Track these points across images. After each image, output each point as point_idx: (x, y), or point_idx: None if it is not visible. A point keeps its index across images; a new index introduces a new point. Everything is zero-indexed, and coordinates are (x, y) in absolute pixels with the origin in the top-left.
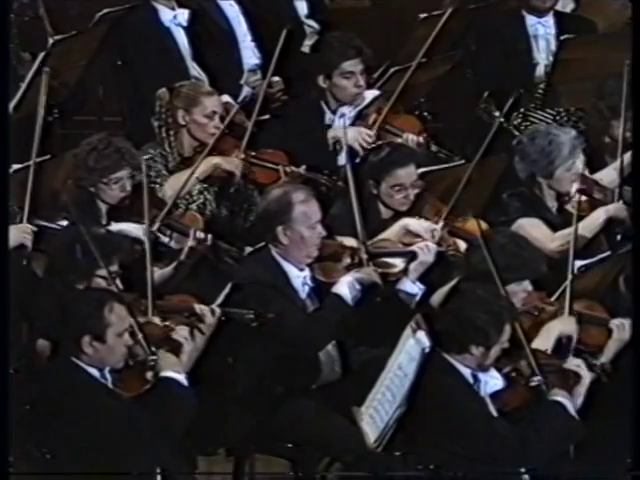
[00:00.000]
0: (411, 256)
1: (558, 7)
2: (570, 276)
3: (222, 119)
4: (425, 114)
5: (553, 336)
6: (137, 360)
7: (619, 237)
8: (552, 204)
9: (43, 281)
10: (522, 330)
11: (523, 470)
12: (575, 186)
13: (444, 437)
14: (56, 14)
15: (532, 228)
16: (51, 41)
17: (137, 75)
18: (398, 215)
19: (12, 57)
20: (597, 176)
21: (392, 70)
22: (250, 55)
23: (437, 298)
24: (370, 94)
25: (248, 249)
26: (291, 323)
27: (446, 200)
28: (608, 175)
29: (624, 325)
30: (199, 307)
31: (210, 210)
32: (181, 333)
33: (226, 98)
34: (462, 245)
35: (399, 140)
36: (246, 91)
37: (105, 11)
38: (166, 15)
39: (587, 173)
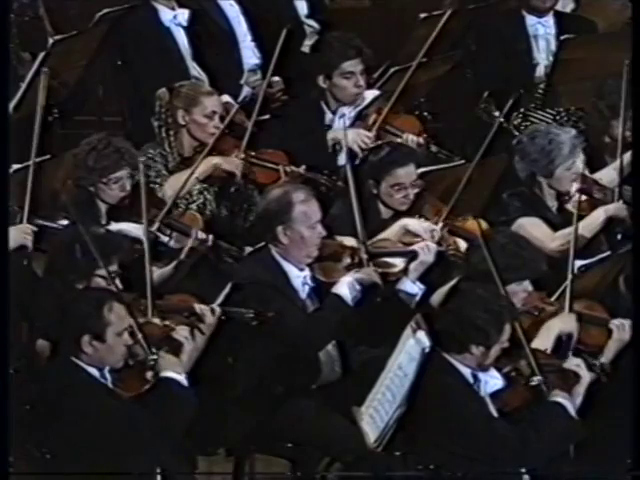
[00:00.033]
0: (412, 256)
1: (558, 7)
2: (570, 276)
3: (222, 119)
4: (425, 114)
5: (553, 335)
6: (137, 360)
7: (619, 237)
8: (552, 203)
9: (43, 281)
10: (522, 330)
11: (523, 470)
12: (575, 185)
13: (444, 437)
14: (56, 14)
15: (532, 227)
16: (51, 41)
17: (137, 75)
18: (398, 215)
19: (12, 57)
20: (597, 176)
21: (392, 70)
22: (250, 55)
23: (437, 298)
24: (370, 94)
25: (248, 249)
26: (291, 323)
27: (446, 200)
28: (608, 175)
29: (624, 325)
30: (199, 307)
31: (210, 210)
32: (181, 333)
33: (226, 98)
34: (462, 245)
35: (399, 140)
36: (246, 91)
37: (105, 11)
38: (166, 15)
39: (587, 172)
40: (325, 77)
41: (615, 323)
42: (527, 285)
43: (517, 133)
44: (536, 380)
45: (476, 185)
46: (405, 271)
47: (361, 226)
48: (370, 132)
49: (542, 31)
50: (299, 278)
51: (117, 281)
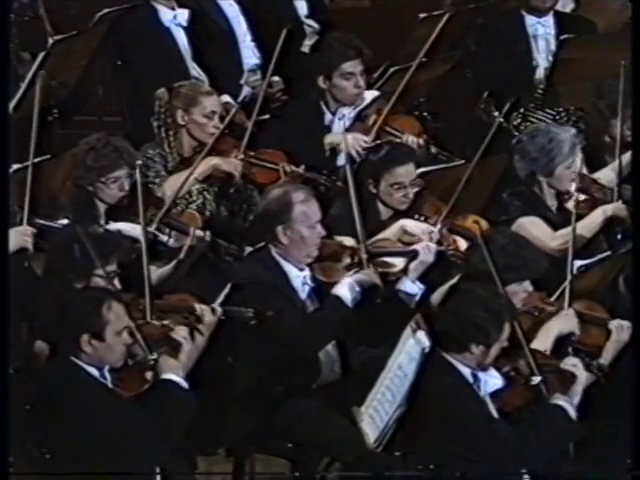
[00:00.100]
0: (412, 255)
1: (558, 7)
2: (570, 276)
3: (222, 119)
4: (425, 114)
5: (552, 336)
6: (136, 360)
7: (619, 237)
8: (552, 203)
9: (42, 280)
10: (521, 330)
11: (523, 470)
12: (574, 185)
13: (444, 437)
14: (56, 14)
15: (533, 227)
16: (51, 41)
17: (137, 75)
18: (398, 214)
19: (12, 57)
20: (596, 175)
21: (392, 70)
22: (250, 55)
23: (437, 297)
24: (370, 95)
25: (248, 249)
26: (290, 323)
27: (446, 200)
28: (607, 175)
29: (623, 326)
30: (199, 306)
31: (210, 210)
32: (180, 333)
33: (226, 98)
34: (462, 244)
35: (398, 141)
36: (246, 91)
37: (105, 11)
38: (166, 15)
39: (585, 172)
40: (325, 78)
41: (614, 324)
42: (527, 285)
43: (517, 133)
44: (536, 380)
45: (476, 185)
46: (405, 271)
47: (361, 226)
48: (368, 136)
49: (542, 31)
50: (299, 278)
51: (116, 281)
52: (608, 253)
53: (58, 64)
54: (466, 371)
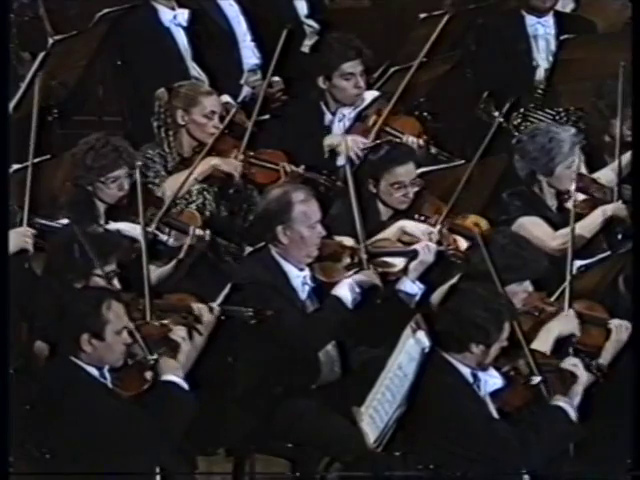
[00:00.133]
0: (412, 255)
1: (558, 7)
2: (569, 277)
3: (222, 119)
4: (425, 114)
5: (552, 337)
6: (136, 359)
7: (620, 237)
8: (552, 203)
9: (41, 280)
10: (520, 330)
11: (523, 470)
12: (572, 184)
13: (444, 437)
14: (56, 14)
15: (533, 227)
16: (51, 41)
17: (137, 75)
18: (398, 214)
19: (12, 57)
20: (595, 175)
21: (392, 70)
22: (250, 55)
23: (437, 297)
24: (370, 95)
25: (248, 249)
26: (289, 323)
27: (446, 200)
28: (607, 175)
29: (622, 326)
30: (197, 305)
31: (210, 210)
32: (179, 333)
33: (226, 98)
34: (463, 244)
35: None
36: (246, 91)
37: (105, 11)
38: (166, 15)
39: (584, 171)
40: (325, 78)
41: (614, 323)
42: (527, 285)
43: (517, 133)
44: (535, 380)
45: (476, 185)
46: (405, 271)
47: (360, 226)
48: (368, 136)
49: (542, 31)
50: (299, 278)
51: (115, 281)
52: (608, 253)
53: (58, 64)
54: (466, 371)
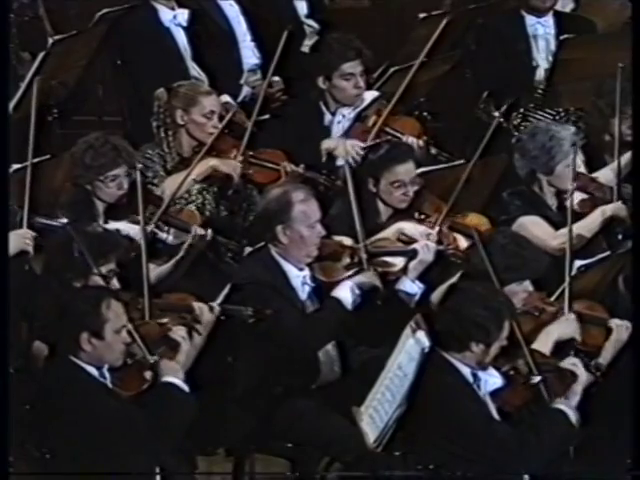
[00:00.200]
0: (412, 254)
1: (558, 7)
2: (568, 278)
3: (221, 119)
4: (425, 114)
5: (551, 340)
6: (135, 359)
7: (620, 237)
8: (552, 202)
9: (41, 280)
10: (519, 329)
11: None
12: (570, 183)
13: (443, 437)
14: (56, 14)
15: (533, 226)
16: (51, 41)
17: (137, 75)
18: (398, 213)
19: (12, 57)
20: (595, 175)
21: (391, 70)
22: (250, 55)
23: (437, 296)
24: (369, 95)
25: (248, 249)
26: (288, 323)
27: (446, 200)
28: (606, 175)
29: (623, 326)
30: (197, 305)
31: (209, 210)
32: (179, 333)
33: (226, 98)
34: (463, 243)
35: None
36: (246, 91)
37: (105, 11)
38: (166, 15)
39: (584, 171)
40: (325, 78)
41: (615, 322)
42: (527, 285)
43: (516, 133)
44: (535, 379)
45: (476, 184)
46: (404, 270)
47: (360, 226)
48: (368, 136)
49: (542, 31)
50: (299, 278)
51: (114, 280)
52: (608, 253)
53: (58, 64)
54: (466, 370)
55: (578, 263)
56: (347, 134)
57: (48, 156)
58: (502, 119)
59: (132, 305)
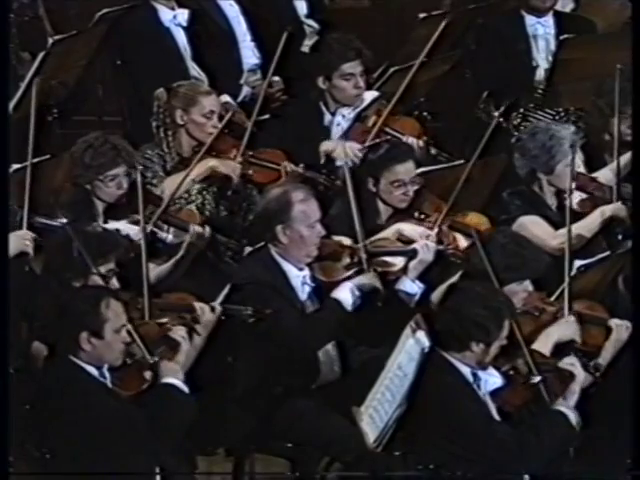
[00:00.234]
0: (411, 254)
1: (558, 7)
2: (567, 278)
3: (221, 119)
4: (424, 114)
5: (551, 342)
6: (135, 359)
7: (620, 237)
8: (552, 201)
9: (40, 279)
10: (519, 329)
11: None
12: (569, 182)
13: (443, 437)
14: (56, 14)
15: (533, 226)
16: (51, 41)
17: (137, 75)
18: (398, 213)
19: (12, 57)
20: (594, 175)
21: (391, 70)
22: (250, 55)
23: (437, 295)
24: (369, 95)
25: (248, 249)
26: (288, 324)
27: (446, 199)
28: (606, 175)
29: (623, 326)
30: (198, 305)
31: (209, 210)
32: (179, 333)
33: (226, 98)
34: (463, 242)
35: None
36: (246, 91)
37: (105, 11)
38: (166, 15)
39: (583, 170)
40: (325, 78)
41: (615, 322)
42: (527, 285)
43: (516, 133)
44: (535, 379)
45: (476, 184)
46: (404, 270)
47: (360, 226)
48: (366, 139)
49: (541, 31)
50: (298, 278)
51: (114, 280)
52: (608, 253)
53: (58, 64)
54: (466, 370)
55: (578, 263)
56: (346, 135)
57: (48, 156)
58: (502, 119)
59: (132, 305)
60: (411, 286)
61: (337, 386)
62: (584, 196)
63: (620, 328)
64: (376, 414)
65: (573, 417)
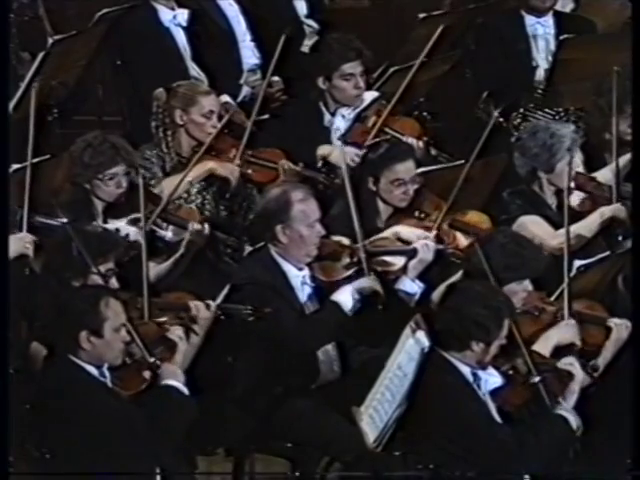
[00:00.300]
0: (411, 254)
1: (557, 7)
2: (567, 278)
3: (220, 118)
4: (424, 114)
5: (551, 344)
6: (135, 358)
7: (620, 238)
8: (552, 201)
9: (40, 279)
10: (518, 329)
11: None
12: (567, 181)
13: (444, 437)
14: (56, 14)
15: (533, 225)
16: (50, 41)
17: (136, 75)
18: (398, 212)
19: (12, 57)
20: (593, 175)
21: (391, 70)
22: (249, 55)
23: (438, 294)
24: (369, 95)
25: (248, 248)
26: (287, 324)
27: (446, 199)
28: (605, 175)
29: (623, 325)
30: (194, 303)
31: (209, 210)
32: (176, 333)
33: (225, 98)
34: (463, 241)
35: None
36: (245, 91)
37: (104, 11)
38: (166, 15)
39: (582, 170)
40: (325, 78)
41: (615, 321)
42: (527, 284)
43: (516, 133)
44: (535, 379)
45: (477, 184)
46: (404, 270)
47: (359, 225)
48: (366, 139)
49: (541, 31)
50: (298, 278)
51: (113, 279)
52: (607, 253)
53: (58, 64)
54: (466, 370)
55: (578, 263)
56: (345, 137)
57: (48, 156)
58: (502, 119)
59: (131, 304)
60: (411, 286)
61: (337, 386)
62: (584, 196)
63: (620, 327)
64: (376, 414)
65: (574, 420)
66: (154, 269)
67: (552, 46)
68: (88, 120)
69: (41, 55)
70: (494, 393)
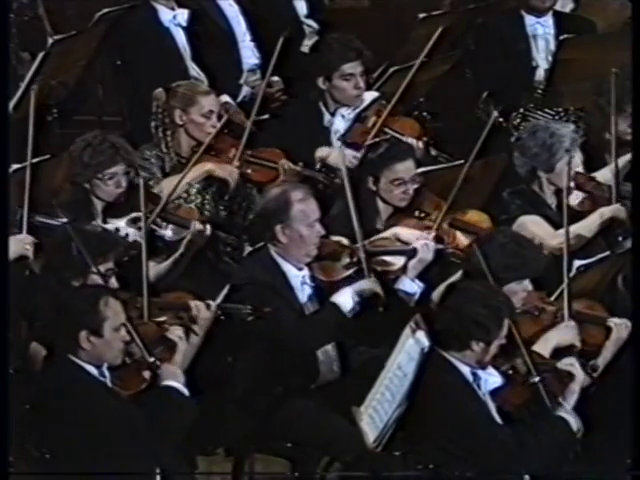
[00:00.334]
0: (411, 254)
1: (557, 7)
2: (567, 279)
3: (220, 118)
4: (424, 114)
5: (550, 346)
6: (134, 358)
7: (620, 238)
8: (552, 201)
9: (40, 279)
10: (517, 329)
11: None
12: (571, 183)
13: (443, 437)
14: (55, 14)
15: (533, 225)
16: (50, 41)
17: (136, 75)
18: (398, 211)
19: (12, 57)
20: (593, 175)
21: (391, 70)
22: (249, 55)
23: (438, 294)
24: (369, 96)
25: (248, 248)
26: (286, 324)
27: (446, 199)
28: (605, 175)
29: (623, 325)
30: (194, 302)
31: (209, 210)
32: (175, 333)
33: (225, 98)
34: (463, 241)
35: None
36: (245, 91)
37: (104, 11)
38: (165, 15)
39: (582, 170)
40: (325, 78)
41: (614, 321)
42: (527, 284)
43: (516, 133)
44: (535, 379)
45: (477, 184)
46: (404, 269)
47: (359, 225)
48: (366, 139)
49: (541, 31)
50: (298, 278)
51: (113, 279)
52: (607, 253)
53: (58, 64)
54: (466, 370)
55: (578, 263)
56: (345, 138)
57: (48, 156)
58: (501, 119)
59: (131, 304)
60: (411, 285)
61: (337, 386)
62: (584, 195)
63: (620, 327)
64: (376, 414)
65: (574, 423)
66: (154, 269)
67: (552, 46)
68: (88, 120)
69: (41, 55)
70: (494, 393)
